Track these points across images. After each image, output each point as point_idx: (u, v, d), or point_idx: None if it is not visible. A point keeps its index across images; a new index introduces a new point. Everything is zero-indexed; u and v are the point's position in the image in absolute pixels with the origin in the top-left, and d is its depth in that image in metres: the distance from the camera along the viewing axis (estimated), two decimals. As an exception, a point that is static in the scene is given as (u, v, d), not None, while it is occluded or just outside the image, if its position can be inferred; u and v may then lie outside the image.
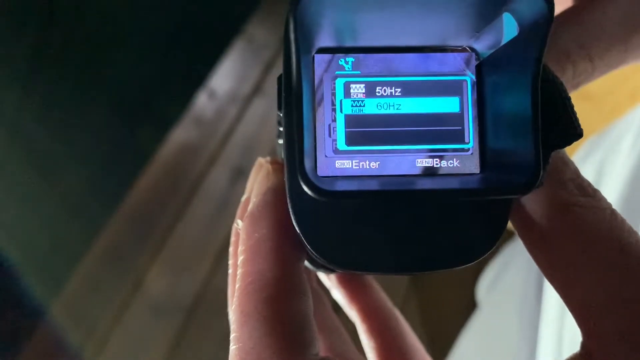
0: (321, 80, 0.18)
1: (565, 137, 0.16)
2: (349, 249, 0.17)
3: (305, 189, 0.15)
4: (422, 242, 0.17)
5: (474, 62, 0.18)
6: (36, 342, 1.02)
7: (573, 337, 0.39)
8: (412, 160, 0.18)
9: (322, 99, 0.18)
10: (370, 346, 0.25)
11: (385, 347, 0.25)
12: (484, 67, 0.18)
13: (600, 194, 0.17)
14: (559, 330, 0.41)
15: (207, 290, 1.05)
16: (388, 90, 0.18)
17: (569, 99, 0.16)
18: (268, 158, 0.21)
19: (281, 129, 0.18)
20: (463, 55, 0.18)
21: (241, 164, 1.18)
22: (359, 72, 0.18)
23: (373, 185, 0.17)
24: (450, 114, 0.18)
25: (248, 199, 0.20)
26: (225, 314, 0.21)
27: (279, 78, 0.17)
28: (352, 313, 0.26)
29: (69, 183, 1.16)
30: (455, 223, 0.17)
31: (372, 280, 0.27)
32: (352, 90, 0.18)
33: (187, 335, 1.02)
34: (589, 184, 0.17)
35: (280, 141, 0.20)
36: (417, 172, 0.18)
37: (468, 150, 0.18)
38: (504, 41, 0.17)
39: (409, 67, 0.18)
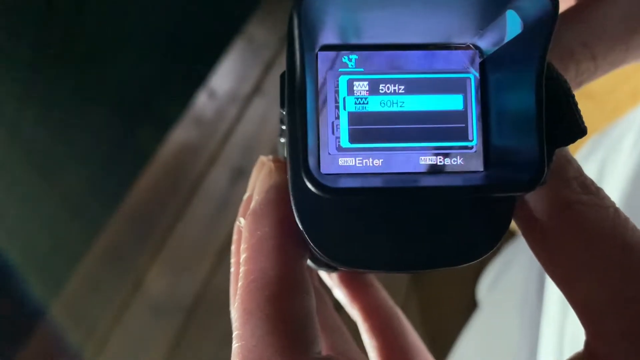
0: (324, 78, 0.18)
1: (569, 135, 0.16)
2: (352, 247, 0.17)
3: (309, 185, 0.15)
4: (426, 240, 0.17)
5: (477, 60, 0.18)
6: (36, 342, 1.01)
7: (574, 336, 0.39)
8: (416, 158, 0.18)
9: (325, 96, 0.18)
10: (372, 345, 0.25)
11: (387, 346, 0.25)
12: (488, 65, 0.18)
13: (603, 192, 0.17)
14: (560, 330, 0.41)
15: (207, 290, 1.05)
16: (391, 88, 0.18)
17: (573, 96, 0.16)
18: (270, 156, 0.21)
19: (283, 127, 0.18)
20: (467, 52, 0.18)
21: (241, 164, 1.18)
22: (362, 69, 0.18)
23: (376, 183, 0.17)
24: (454, 112, 0.18)
25: (250, 197, 0.20)
26: (226, 314, 0.21)
27: (282, 75, 0.17)
28: (354, 312, 0.26)
29: (69, 183, 1.16)
30: (458, 221, 0.17)
31: (374, 280, 0.27)
32: (355, 88, 0.18)
33: (187, 335, 1.02)
34: (592, 182, 0.17)
35: (282, 140, 0.20)
36: (421, 169, 0.18)
37: (472, 148, 0.18)
38: (507, 38, 0.17)
39: (412, 64, 0.18)
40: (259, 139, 1.21)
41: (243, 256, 0.18)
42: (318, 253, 0.17)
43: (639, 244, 0.16)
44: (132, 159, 1.21)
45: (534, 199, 0.17)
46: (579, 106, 0.17)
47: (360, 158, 0.18)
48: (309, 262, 0.21)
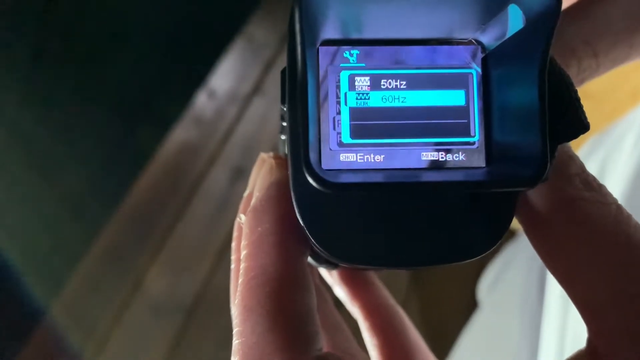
0: (326, 73, 0.18)
1: (572, 130, 0.16)
2: (352, 243, 0.17)
3: (311, 181, 0.15)
4: (427, 236, 0.17)
5: (479, 55, 0.18)
6: (36, 342, 1.01)
7: (575, 336, 0.39)
8: (417, 154, 0.18)
9: (326, 91, 0.18)
10: (373, 343, 0.25)
11: (388, 344, 0.25)
12: (490, 60, 0.18)
13: (605, 189, 0.17)
14: (561, 329, 0.41)
15: (207, 290, 1.05)
16: (393, 83, 0.18)
17: (576, 91, 0.16)
18: (271, 153, 0.21)
19: (284, 123, 0.18)
20: (469, 48, 0.18)
21: (241, 164, 1.18)
22: (364, 64, 0.18)
23: (378, 178, 0.17)
24: (456, 107, 0.18)
25: (251, 194, 0.20)
26: (226, 314, 0.21)
27: (283, 71, 0.17)
28: (355, 310, 0.26)
29: (69, 183, 1.16)
30: (460, 217, 0.17)
31: (375, 278, 0.27)
32: (356, 83, 0.18)
33: (187, 335, 1.02)
34: (595, 179, 0.17)
35: (283, 137, 0.20)
36: (423, 165, 0.18)
37: (474, 143, 0.18)
38: (510, 33, 0.16)
39: (414, 59, 0.18)
40: (259, 139, 1.21)
41: (243, 253, 0.18)
42: (319, 249, 0.17)
43: None
44: (132, 159, 1.21)
45: (536, 196, 0.17)
46: (580, 105, 0.17)
47: (362, 154, 0.18)
48: (309, 259, 0.21)
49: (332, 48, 0.18)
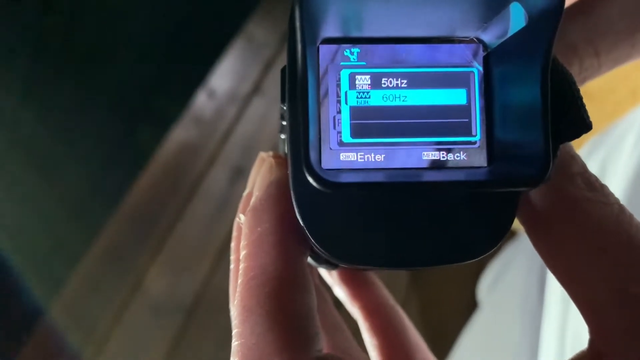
0: (326, 71, 0.18)
1: (574, 129, 0.16)
2: (353, 243, 0.17)
3: (311, 180, 0.15)
4: (427, 237, 0.17)
5: (481, 54, 0.18)
6: (36, 342, 1.01)
7: (575, 336, 0.39)
8: (418, 153, 0.18)
9: (327, 90, 0.18)
10: (373, 344, 0.25)
11: (388, 344, 0.24)
12: (492, 58, 0.18)
13: (607, 188, 0.17)
14: (561, 329, 0.41)
15: (207, 290, 1.05)
16: (394, 82, 0.18)
17: (578, 90, 0.16)
18: (270, 152, 0.20)
19: (284, 122, 0.18)
20: (470, 46, 0.18)
21: (241, 164, 1.17)
22: (364, 63, 0.18)
23: (379, 177, 0.17)
24: (457, 106, 0.18)
25: (250, 194, 0.20)
26: (226, 314, 0.21)
27: (283, 70, 0.17)
28: (355, 310, 0.26)
29: (69, 183, 1.15)
30: (460, 218, 0.17)
31: (375, 278, 0.27)
32: (357, 82, 0.18)
33: (187, 335, 1.02)
34: (597, 179, 0.17)
35: (283, 136, 0.20)
36: (424, 165, 0.17)
37: (475, 143, 0.18)
38: (512, 32, 0.16)
39: (415, 58, 0.18)
40: (259, 139, 1.21)
41: (243, 253, 0.18)
42: (319, 249, 0.17)
43: None
44: (132, 159, 1.21)
45: (537, 195, 0.17)
46: (581, 105, 0.17)
47: (362, 153, 0.17)
48: (309, 259, 0.21)
49: (333, 46, 0.18)
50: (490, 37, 0.18)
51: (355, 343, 0.24)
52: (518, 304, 0.50)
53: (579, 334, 0.39)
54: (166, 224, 1.11)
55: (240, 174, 1.16)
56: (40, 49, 1.15)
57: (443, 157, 0.18)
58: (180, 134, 1.21)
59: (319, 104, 0.17)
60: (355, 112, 0.17)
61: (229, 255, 0.22)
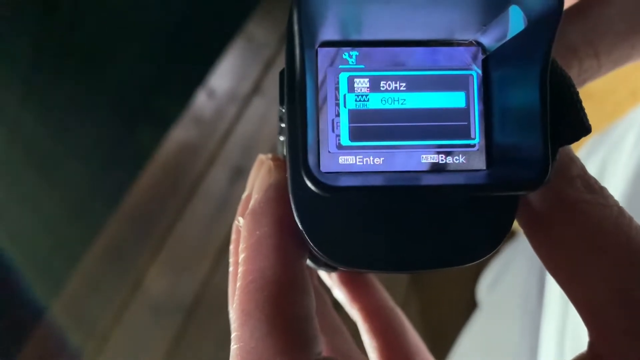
0: (325, 75, 0.17)
1: (573, 132, 0.16)
2: (351, 246, 0.17)
3: (309, 184, 0.15)
4: (426, 240, 0.17)
5: (480, 56, 0.18)
6: (36, 342, 1.01)
7: (575, 336, 0.39)
8: (417, 157, 0.17)
9: (325, 93, 0.17)
10: (373, 346, 0.25)
11: (387, 346, 0.24)
12: (491, 61, 0.18)
13: (607, 191, 0.17)
14: (561, 330, 0.41)
15: (207, 290, 1.05)
16: (393, 85, 0.18)
17: (577, 93, 0.16)
18: (269, 155, 0.20)
19: (283, 125, 0.18)
20: (469, 49, 0.18)
21: (241, 164, 1.17)
22: (363, 66, 0.18)
23: (377, 181, 0.17)
24: (456, 109, 0.18)
25: (249, 196, 0.20)
26: (225, 314, 0.21)
27: (281, 73, 0.17)
28: (354, 312, 0.26)
29: (69, 183, 1.16)
30: (460, 221, 0.17)
31: (374, 280, 0.27)
32: (356, 85, 0.18)
33: (187, 335, 1.02)
34: (596, 181, 0.17)
35: (282, 138, 0.20)
36: (423, 168, 0.17)
37: (474, 146, 0.18)
38: (511, 35, 0.16)
39: (414, 61, 0.18)
40: (259, 139, 1.21)
41: (241, 256, 0.18)
42: (317, 253, 0.17)
43: None
44: (132, 159, 1.21)
45: (537, 198, 0.17)
46: (580, 105, 0.16)
47: (361, 156, 0.17)
48: (308, 261, 0.21)
49: (331, 49, 0.18)
50: (489, 40, 0.17)
51: (355, 345, 0.23)
52: (518, 305, 0.50)
53: (579, 335, 0.39)
54: (166, 223, 1.11)
55: (240, 174, 1.16)
56: (41, 49, 1.15)
57: (442, 160, 0.18)
58: (180, 134, 1.21)
59: (317, 107, 0.17)
60: (354, 115, 0.17)
61: (228, 255, 0.22)
